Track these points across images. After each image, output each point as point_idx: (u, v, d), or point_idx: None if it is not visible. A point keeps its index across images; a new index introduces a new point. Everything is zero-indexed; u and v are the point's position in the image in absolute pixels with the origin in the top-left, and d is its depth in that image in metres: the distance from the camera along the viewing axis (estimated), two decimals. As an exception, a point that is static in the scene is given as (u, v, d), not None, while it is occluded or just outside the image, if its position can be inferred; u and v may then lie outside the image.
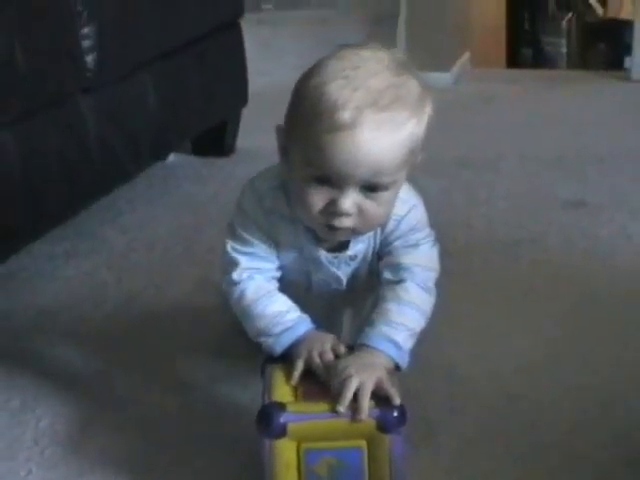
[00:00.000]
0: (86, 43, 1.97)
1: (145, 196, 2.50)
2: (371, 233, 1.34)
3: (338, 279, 1.39)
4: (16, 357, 1.66)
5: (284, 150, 1.27)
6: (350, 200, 1.20)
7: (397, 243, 1.36)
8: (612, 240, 2.11)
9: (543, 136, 2.99)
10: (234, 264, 1.35)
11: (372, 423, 1.14)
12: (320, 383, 1.21)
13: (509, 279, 1.92)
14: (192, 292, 1.89)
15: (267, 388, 1.21)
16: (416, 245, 1.36)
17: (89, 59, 1.99)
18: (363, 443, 1.15)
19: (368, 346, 1.26)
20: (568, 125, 3.12)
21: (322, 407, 1.16)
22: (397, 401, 1.17)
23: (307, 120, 1.18)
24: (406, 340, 1.29)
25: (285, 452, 1.15)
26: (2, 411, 1.49)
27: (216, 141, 2.84)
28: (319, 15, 4.20)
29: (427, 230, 1.39)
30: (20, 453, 1.38)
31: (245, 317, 1.34)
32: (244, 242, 1.35)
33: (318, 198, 1.21)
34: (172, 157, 2.81)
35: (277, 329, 1.30)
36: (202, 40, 2.55)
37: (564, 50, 5.99)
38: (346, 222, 1.23)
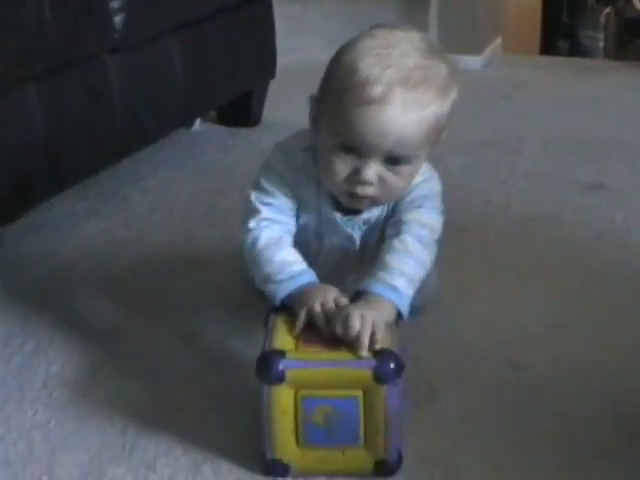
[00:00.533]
0: (115, 4, 2.00)
1: (169, 161, 2.53)
2: None
3: (352, 239, 1.44)
4: (33, 304, 1.69)
5: (315, 119, 1.33)
6: (373, 170, 1.27)
7: (404, 206, 1.40)
8: (627, 223, 2.11)
9: (568, 122, 2.99)
10: (254, 212, 1.39)
11: (369, 373, 1.16)
12: (321, 333, 1.23)
13: (522, 255, 1.93)
14: (210, 252, 1.92)
15: (268, 337, 1.23)
16: (420, 206, 1.40)
17: (117, 20, 2.01)
18: (359, 393, 1.17)
19: (367, 292, 1.29)
20: (594, 112, 3.12)
21: (321, 355, 1.19)
22: (394, 349, 1.20)
23: (339, 92, 1.25)
24: (405, 286, 1.31)
25: (283, 399, 1.17)
26: (16, 354, 1.53)
27: (242, 111, 2.86)
28: (352, -7, 4.20)
29: (437, 201, 1.43)
30: (29, 394, 1.41)
31: (254, 263, 1.37)
32: (267, 193, 1.39)
33: (343, 166, 1.28)
34: (198, 125, 2.84)
35: (281, 276, 1.33)
36: (231, 10, 2.57)
37: (601, 44, 5.97)
38: (368, 190, 1.30)
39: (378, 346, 1.18)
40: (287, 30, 4.00)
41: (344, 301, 1.27)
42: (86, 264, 1.88)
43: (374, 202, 1.35)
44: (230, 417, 1.34)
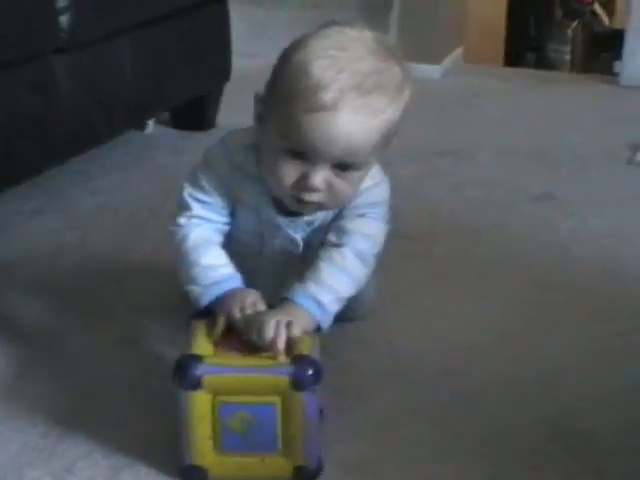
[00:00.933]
0: (61, 3, 1.98)
1: (119, 163, 2.51)
2: None
3: (294, 242, 1.42)
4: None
5: (260, 117, 1.30)
6: (321, 176, 1.24)
7: (347, 212, 1.38)
8: (573, 234, 2.11)
9: (524, 132, 2.99)
10: (186, 208, 1.38)
11: (286, 380, 1.14)
12: (241, 340, 1.22)
13: (466, 263, 1.93)
14: (152, 254, 1.90)
15: (188, 341, 1.21)
16: (364, 215, 1.38)
17: (63, 19, 1.99)
18: (277, 399, 1.16)
19: (291, 301, 1.28)
20: (551, 123, 3.13)
21: (239, 361, 1.18)
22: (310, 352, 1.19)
23: (288, 95, 1.21)
24: (332, 303, 1.30)
25: (200, 404, 1.16)
26: (-57, 357, 1.50)
27: (196, 115, 2.85)
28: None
29: (383, 208, 1.41)
30: (-47, 398, 1.39)
31: (181, 262, 1.35)
32: (202, 190, 1.37)
33: (290, 171, 1.25)
34: (151, 128, 2.82)
35: (206, 281, 1.31)
36: (186, 11, 2.54)
37: (568, 57, 5.99)
38: (315, 197, 1.27)
39: (296, 352, 1.17)
40: (249, 33, 4.00)
41: (261, 306, 1.26)
42: (26, 267, 1.86)
43: (321, 207, 1.32)
44: (152, 422, 1.33)
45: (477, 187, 2.40)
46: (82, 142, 2.16)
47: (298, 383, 1.14)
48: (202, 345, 1.20)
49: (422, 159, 2.60)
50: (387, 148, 1.30)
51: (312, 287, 1.29)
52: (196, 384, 1.14)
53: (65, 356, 1.52)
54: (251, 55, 3.85)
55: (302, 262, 1.43)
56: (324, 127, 1.19)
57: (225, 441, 1.18)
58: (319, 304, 1.28)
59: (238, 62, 3.15)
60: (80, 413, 1.36)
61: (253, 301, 1.26)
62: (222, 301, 1.27)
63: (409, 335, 1.61)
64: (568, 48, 5.83)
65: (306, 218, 1.39)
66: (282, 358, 1.17)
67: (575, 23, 5.74)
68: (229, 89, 2.93)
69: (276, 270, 1.44)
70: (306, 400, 1.15)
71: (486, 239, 2.06)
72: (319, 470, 1.21)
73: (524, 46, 5.83)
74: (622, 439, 1.33)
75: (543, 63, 5.64)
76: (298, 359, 1.16)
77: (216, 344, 1.21)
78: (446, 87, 3.63)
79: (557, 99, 3.50)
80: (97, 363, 1.50)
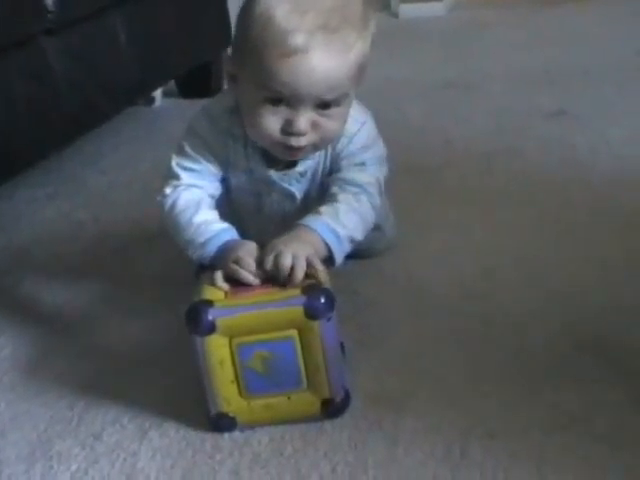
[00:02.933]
0: (45, -17, 1.96)
1: (129, 139, 2.52)
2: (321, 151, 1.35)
3: (292, 195, 1.40)
4: (-13, 292, 1.68)
5: (233, 77, 1.29)
6: (305, 119, 1.24)
7: (346, 162, 1.37)
8: (590, 146, 2.09)
9: (533, 56, 2.96)
10: (174, 177, 1.37)
11: (300, 310, 1.13)
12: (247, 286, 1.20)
13: (482, 188, 1.91)
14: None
15: (197, 289, 1.20)
16: (363, 164, 1.37)
17: (49, 0, 1.97)
18: (294, 332, 1.14)
19: (307, 227, 1.27)
20: (559, 43, 3.10)
21: (249, 300, 1.16)
22: (325, 284, 1.18)
23: (258, 45, 1.20)
24: (345, 239, 1.29)
25: (217, 348, 1.14)
26: (-32, 340, 1.51)
27: (202, 82, 2.84)
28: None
29: (377, 147, 1.40)
30: (-20, 378, 1.40)
31: (174, 228, 1.34)
32: (190, 159, 1.37)
33: (274, 119, 1.24)
34: (159, 101, 2.82)
35: (201, 238, 1.30)
36: (177, -20, 2.53)
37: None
38: (303, 141, 1.26)
39: (307, 282, 1.16)
40: None
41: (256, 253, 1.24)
42: (43, 250, 1.86)
43: (314, 149, 1.31)
44: (176, 380, 1.31)
45: (488, 114, 2.38)
46: (84, 123, 2.15)
47: (312, 312, 1.13)
48: (211, 290, 1.19)
49: (430, 94, 2.57)
50: (361, 80, 1.29)
51: (329, 219, 1.28)
52: (210, 328, 1.13)
53: (85, 331, 1.52)
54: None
55: (302, 212, 1.40)
56: (300, 70, 1.19)
57: (248, 383, 1.17)
58: (336, 235, 1.27)
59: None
60: (105, 382, 1.35)
61: (248, 252, 1.23)
62: (221, 253, 1.26)
63: (427, 266, 1.59)
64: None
65: (298, 169, 1.37)
66: (293, 289, 1.15)
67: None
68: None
69: (276, 226, 1.41)
70: (323, 329, 1.13)
71: (500, 163, 2.03)
72: (347, 402, 1.20)
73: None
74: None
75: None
76: (309, 288, 1.15)
77: (225, 291, 1.19)
78: (451, 22, 3.60)
79: (564, 19, 3.46)
80: (117, 333, 1.49)
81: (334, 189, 1.36)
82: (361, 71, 1.27)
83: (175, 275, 1.63)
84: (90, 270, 1.74)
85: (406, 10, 3.80)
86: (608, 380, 1.23)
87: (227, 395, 1.17)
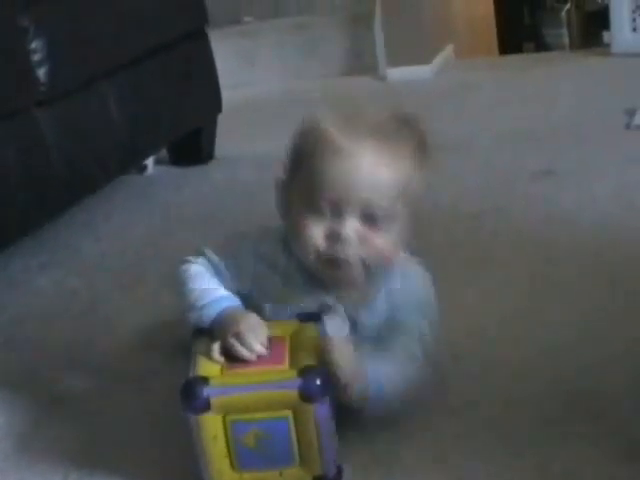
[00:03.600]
0: (36, 57, 2.01)
1: (121, 207, 2.54)
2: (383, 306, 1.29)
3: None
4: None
5: (283, 203, 1.27)
6: (351, 226, 1.20)
7: (400, 317, 1.31)
8: (576, 204, 2.11)
9: (519, 114, 3.00)
10: (199, 255, 1.35)
11: (295, 394, 1.12)
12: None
13: (470, 249, 1.93)
14: (158, 290, 1.90)
15: (193, 362, 1.20)
16: (415, 324, 1.31)
17: (40, 73, 2.02)
18: (288, 413, 1.13)
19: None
20: (546, 101, 3.13)
21: (245, 379, 1.15)
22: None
23: (306, 156, 1.21)
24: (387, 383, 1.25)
25: (211, 426, 1.14)
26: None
27: (193, 149, 2.87)
28: (298, 21, 4.24)
29: (432, 311, 1.34)
30: (-25, 450, 1.40)
31: (181, 290, 1.33)
32: (218, 266, 1.33)
33: (318, 229, 1.20)
34: (150, 169, 2.85)
35: (202, 302, 1.29)
36: (166, 49, 2.57)
37: (566, 40, 6.02)
38: (350, 251, 1.21)
39: (303, 362, 1.15)
40: (238, 64, 4.04)
41: (261, 331, 1.21)
42: (35, 319, 1.87)
43: (364, 266, 1.23)
44: (171, 451, 1.31)
45: (475, 174, 2.41)
46: (76, 192, 2.18)
47: (307, 395, 1.12)
48: (207, 365, 1.18)
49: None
50: (411, 206, 1.25)
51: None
52: (204, 407, 1.13)
53: (80, 399, 1.53)
54: (243, 85, 3.89)
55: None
56: (345, 171, 1.17)
57: (241, 459, 1.16)
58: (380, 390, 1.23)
59: (231, 94, 3.18)
60: (99, 451, 1.36)
61: (252, 325, 1.21)
62: (220, 321, 1.24)
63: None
64: (565, 31, 5.85)
65: (363, 320, 1.29)
66: (289, 370, 1.15)
67: (568, 5, 5.75)
68: (225, 120, 2.95)
69: None
70: (317, 411, 1.13)
71: (487, 223, 2.05)
72: (339, 477, 1.19)
73: (520, 36, 5.84)
74: (637, 397, 1.32)
75: (543, 50, 5.66)
76: (305, 371, 1.14)
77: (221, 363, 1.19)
78: (439, 85, 3.65)
79: (551, 77, 3.50)
80: (111, 402, 1.50)
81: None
82: (409, 193, 1.23)
83: (168, 340, 1.63)
84: (80, 339, 1.75)
85: (393, 74, 3.84)
86: (596, 436, 1.23)
87: (220, 468, 1.17)
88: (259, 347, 1.19)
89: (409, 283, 1.31)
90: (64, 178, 2.09)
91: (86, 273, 2.08)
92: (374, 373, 1.22)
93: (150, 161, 2.84)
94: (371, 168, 1.18)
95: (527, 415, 1.31)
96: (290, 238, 1.26)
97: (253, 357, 1.18)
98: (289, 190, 1.26)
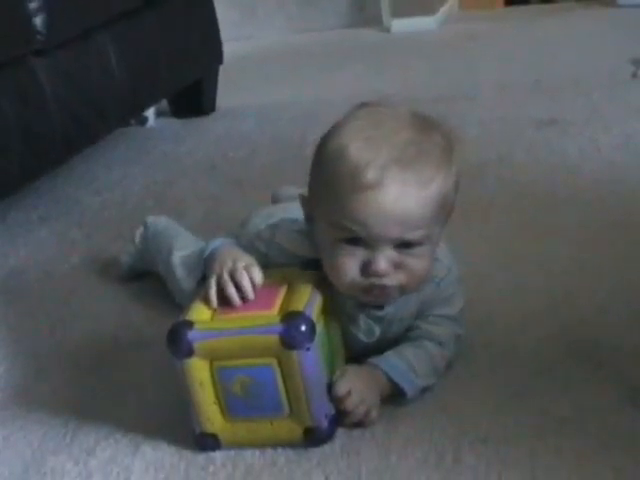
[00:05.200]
0: (33, 5, 1.97)
1: (122, 159, 2.52)
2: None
3: (371, 331, 1.29)
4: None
5: (309, 218, 1.23)
6: (385, 258, 1.14)
7: (428, 311, 1.29)
8: (581, 153, 2.09)
9: (524, 65, 2.97)
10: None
11: (276, 339, 1.09)
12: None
13: (473, 197, 1.90)
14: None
15: (186, 307, 1.19)
16: (443, 318, 1.30)
17: (38, 21, 1.99)
18: (273, 360, 1.11)
19: (379, 368, 1.23)
20: (551, 52, 3.11)
21: (230, 324, 1.13)
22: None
23: (330, 183, 1.14)
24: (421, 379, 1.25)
25: (197, 371, 1.13)
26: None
27: (195, 101, 2.85)
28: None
29: (459, 300, 1.32)
30: (-27, 397, 1.40)
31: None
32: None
33: (351, 260, 1.15)
34: (152, 121, 2.83)
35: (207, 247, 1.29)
36: (166, -1, 2.54)
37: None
38: (387, 281, 1.16)
39: (289, 307, 1.13)
40: (240, 18, 4.00)
41: (256, 272, 1.19)
42: (35, 269, 1.87)
43: (400, 292, 1.19)
44: (167, 395, 1.31)
45: (478, 125, 2.39)
46: (75, 143, 2.16)
47: (289, 342, 1.09)
48: (199, 310, 1.17)
49: (422, 106, 2.55)
50: (446, 219, 1.20)
51: (407, 369, 1.24)
52: (188, 352, 1.12)
53: (80, 348, 1.52)
54: (245, 38, 3.86)
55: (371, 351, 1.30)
56: (373, 206, 1.11)
57: (230, 405, 1.16)
58: (410, 380, 1.23)
59: (233, 46, 3.17)
60: (98, 399, 1.36)
61: (245, 264, 1.19)
62: (215, 258, 1.23)
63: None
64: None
65: (378, 313, 1.26)
66: (274, 315, 1.13)
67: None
68: (227, 72, 2.93)
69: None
70: (301, 358, 1.10)
71: (491, 173, 2.04)
72: (332, 430, 1.16)
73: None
74: (638, 342, 1.31)
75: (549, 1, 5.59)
76: (289, 316, 1.11)
77: (214, 308, 1.17)
78: (443, 36, 3.62)
79: (556, 28, 3.47)
80: (109, 348, 1.50)
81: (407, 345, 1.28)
82: (444, 209, 1.16)
83: (165, 290, 1.62)
84: (78, 288, 1.75)
85: (398, 25, 3.81)
86: (598, 382, 1.22)
87: (210, 416, 1.16)
88: (250, 291, 1.17)
89: (439, 283, 1.27)
90: (63, 129, 2.07)
91: (86, 224, 2.08)
92: (407, 372, 1.23)
93: (151, 113, 2.82)
94: (400, 202, 1.11)
95: (528, 362, 1.30)
96: (324, 267, 1.19)
97: (237, 301, 1.16)
98: (316, 211, 1.19)
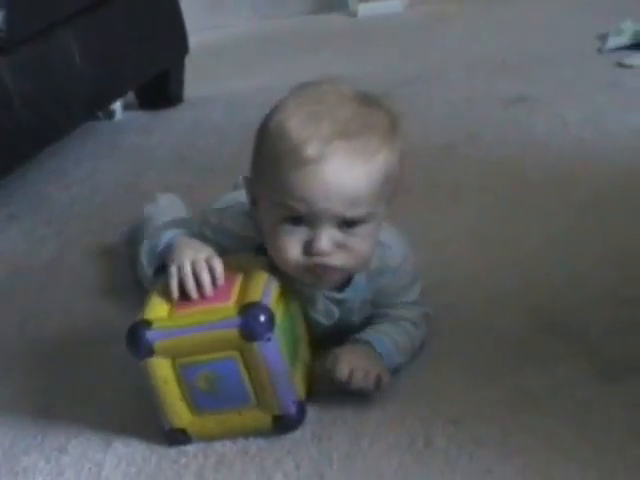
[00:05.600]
0: (-8, 1, 1.95)
1: (90, 153, 2.51)
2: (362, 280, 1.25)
3: (331, 313, 1.28)
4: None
5: (254, 201, 1.20)
6: (327, 238, 1.12)
7: (391, 299, 1.29)
8: (549, 130, 2.09)
9: (491, 45, 2.96)
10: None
11: (235, 333, 1.09)
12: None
13: (441, 177, 1.91)
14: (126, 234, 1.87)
15: (143, 306, 1.17)
16: (408, 303, 1.30)
17: (-2, 18, 1.97)
18: (234, 352, 1.11)
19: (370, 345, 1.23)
20: (518, 31, 3.10)
21: (189, 320, 1.12)
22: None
23: (272, 161, 1.12)
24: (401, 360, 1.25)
25: (159, 369, 1.12)
26: None
27: (161, 92, 2.83)
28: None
29: (418, 285, 1.32)
30: None
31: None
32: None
33: (294, 240, 1.13)
34: (119, 114, 2.80)
35: (161, 234, 1.30)
36: (128, -9, 2.52)
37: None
38: (329, 261, 1.14)
39: (246, 299, 1.12)
40: (208, 6, 3.98)
41: (217, 263, 1.17)
42: (7, 264, 1.86)
43: (342, 273, 1.18)
44: (139, 392, 1.29)
45: (447, 104, 2.38)
46: (41, 138, 2.14)
47: (249, 334, 1.09)
48: (156, 306, 1.15)
49: (388, 89, 2.55)
50: (393, 196, 1.18)
51: (392, 346, 1.24)
52: (148, 352, 1.11)
53: (49, 344, 1.52)
54: (210, 28, 3.84)
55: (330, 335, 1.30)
56: (315, 181, 1.08)
57: (197, 401, 1.15)
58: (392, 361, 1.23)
59: (200, 36, 3.15)
60: (68, 397, 1.35)
61: (207, 256, 1.18)
62: (173, 250, 1.20)
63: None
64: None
65: (338, 296, 1.25)
66: (231, 309, 1.12)
67: None
68: (194, 63, 2.91)
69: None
70: (263, 349, 1.09)
71: (460, 152, 2.03)
72: (301, 416, 1.16)
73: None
74: (610, 317, 1.31)
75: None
76: (247, 307, 1.10)
77: (173, 303, 1.15)
78: (410, 18, 3.61)
79: (523, 7, 3.45)
80: (80, 348, 1.48)
81: (387, 323, 1.28)
82: (389, 185, 1.15)
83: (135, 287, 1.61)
84: (47, 284, 1.74)
85: (364, 9, 3.79)
86: (571, 358, 1.23)
87: (178, 412, 1.16)
88: (209, 286, 1.15)
89: (388, 255, 1.26)
90: (28, 125, 2.05)
91: (55, 220, 2.06)
92: (387, 347, 1.23)
93: (118, 106, 2.80)
94: (343, 179, 1.09)
95: (500, 341, 1.30)
96: (268, 249, 1.18)
97: (196, 296, 1.15)
98: (257, 191, 1.18)
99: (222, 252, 1.21)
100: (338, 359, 1.17)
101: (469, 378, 1.22)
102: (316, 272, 1.15)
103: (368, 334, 1.24)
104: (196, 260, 1.16)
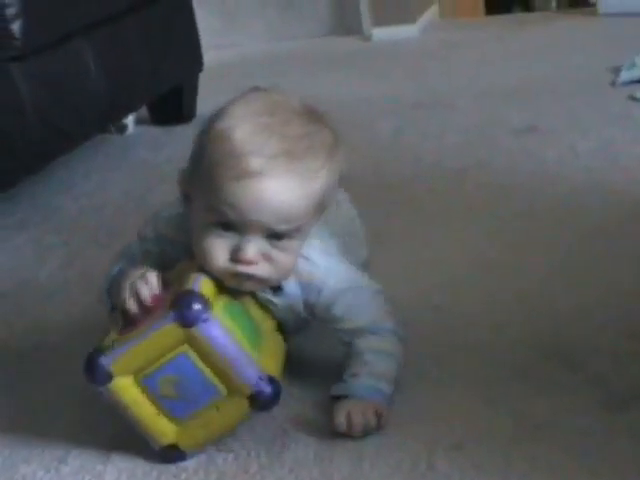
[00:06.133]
0: (10, 11, 1.96)
1: (101, 166, 2.52)
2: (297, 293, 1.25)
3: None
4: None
5: (186, 197, 1.20)
6: (254, 247, 1.13)
7: (334, 312, 1.26)
8: (559, 159, 2.09)
9: (504, 73, 2.97)
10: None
11: (173, 325, 1.09)
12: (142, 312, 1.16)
13: (451, 203, 1.91)
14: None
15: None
16: (357, 313, 1.27)
17: (15, 27, 1.97)
18: (184, 346, 1.11)
19: (355, 396, 1.21)
20: (531, 61, 3.11)
21: (133, 334, 1.12)
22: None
23: (211, 165, 1.11)
24: (388, 386, 1.24)
25: (124, 391, 1.13)
26: None
27: (174, 108, 2.84)
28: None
29: (359, 288, 1.28)
30: None
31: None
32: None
33: (221, 246, 1.14)
34: (131, 129, 2.81)
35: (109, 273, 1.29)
36: (146, 5, 2.53)
37: (554, 4, 6.00)
38: (252, 270, 1.15)
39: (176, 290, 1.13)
40: (221, 25, 4.00)
41: (151, 275, 1.17)
42: (11, 275, 1.86)
43: (262, 283, 1.19)
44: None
45: (458, 131, 2.39)
46: (53, 149, 2.15)
47: (184, 322, 1.09)
48: (107, 338, 1.16)
49: (401, 112, 2.57)
50: (323, 213, 1.20)
51: (369, 380, 1.22)
52: (107, 376, 1.11)
53: (53, 354, 1.51)
54: (226, 46, 3.86)
55: None
56: (252, 195, 1.09)
57: (172, 410, 1.15)
58: (382, 394, 1.22)
59: (214, 54, 3.16)
60: (70, 409, 1.34)
61: (141, 274, 1.17)
62: (115, 287, 1.21)
63: (396, 279, 1.56)
64: (554, -5, 5.84)
65: (276, 300, 1.25)
66: (166, 310, 1.11)
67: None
68: (208, 80, 2.92)
69: None
70: (205, 331, 1.09)
71: (470, 178, 2.04)
72: (275, 391, 1.13)
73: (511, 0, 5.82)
74: (615, 347, 1.31)
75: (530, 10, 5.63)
76: (176, 300, 1.10)
77: (121, 327, 1.16)
78: (423, 44, 3.62)
79: (537, 37, 3.48)
80: (82, 357, 1.46)
81: (357, 345, 1.26)
82: (322, 204, 1.17)
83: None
84: (53, 293, 1.74)
85: (378, 33, 3.81)
86: (573, 387, 1.22)
87: (160, 428, 1.15)
88: (146, 295, 1.15)
89: (314, 271, 1.24)
90: (40, 135, 2.06)
91: (63, 230, 2.06)
92: (367, 389, 1.21)
93: (131, 121, 2.81)
94: (279, 194, 1.10)
95: (503, 367, 1.29)
96: (193, 248, 1.18)
97: (135, 309, 1.15)
98: (192, 188, 1.17)
99: (168, 259, 1.24)
100: (335, 415, 1.18)
101: (471, 404, 1.22)
102: (239, 278, 1.16)
103: (346, 386, 1.23)
104: (133, 283, 1.17)
